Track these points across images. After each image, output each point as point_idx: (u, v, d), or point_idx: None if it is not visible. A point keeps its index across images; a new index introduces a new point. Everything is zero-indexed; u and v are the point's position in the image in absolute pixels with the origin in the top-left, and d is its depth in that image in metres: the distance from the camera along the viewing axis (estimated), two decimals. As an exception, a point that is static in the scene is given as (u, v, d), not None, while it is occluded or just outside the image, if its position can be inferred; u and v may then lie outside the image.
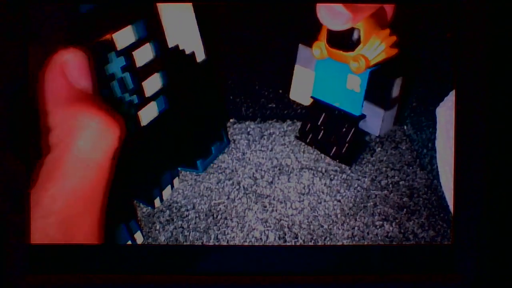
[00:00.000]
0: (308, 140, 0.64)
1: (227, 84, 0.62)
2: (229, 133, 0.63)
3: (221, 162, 0.63)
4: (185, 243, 0.59)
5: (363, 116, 0.61)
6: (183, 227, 0.60)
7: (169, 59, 0.58)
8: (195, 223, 0.60)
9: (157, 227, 0.60)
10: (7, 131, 0.56)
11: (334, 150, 0.63)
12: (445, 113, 0.58)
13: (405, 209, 0.60)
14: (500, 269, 0.58)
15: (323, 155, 0.63)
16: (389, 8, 0.58)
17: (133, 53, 0.53)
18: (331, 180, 0.62)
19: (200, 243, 0.59)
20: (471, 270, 0.57)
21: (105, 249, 0.57)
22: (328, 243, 0.59)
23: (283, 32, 0.62)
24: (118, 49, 0.52)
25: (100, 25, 0.51)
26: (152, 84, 0.56)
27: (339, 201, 0.61)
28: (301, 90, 0.64)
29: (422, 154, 0.61)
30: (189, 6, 0.58)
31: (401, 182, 0.61)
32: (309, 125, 0.64)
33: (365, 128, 0.62)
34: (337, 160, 0.63)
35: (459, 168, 0.57)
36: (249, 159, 0.63)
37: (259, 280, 0.58)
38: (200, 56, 0.61)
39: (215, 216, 0.60)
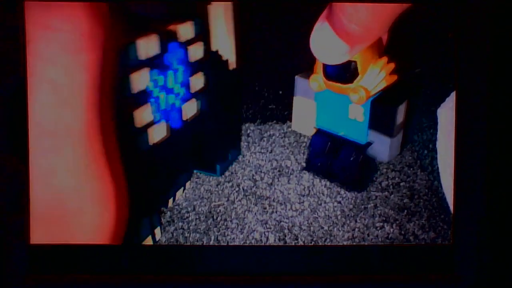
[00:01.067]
0: (316, 170, 0.63)
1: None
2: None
3: (222, 164, 0.63)
4: (185, 244, 0.59)
5: (369, 144, 0.61)
6: (183, 229, 0.60)
7: (213, 62, 0.59)
8: (195, 224, 0.60)
9: (158, 228, 0.60)
10: (7, 131, 0.57)
11: (344, 178, 0.62)
12: (446, 113, 0.58)
13: (405, 211, 0.59)
14: (500, 269, 0.58)
15: (323, 157, 0.63)
16: (384, 36, 0.57)
17: (189, 48, 0.55)
18: (331, 181, 0.62)
19: (200, 244, 0.59)
20: (471, 270, 0.57)
21: (105, 250, 0.58)
22: (328, 244, 0.59)
23: (282, 36, 0.62)
24: (179, 41, 0.54)
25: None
26: (197, 81, 0.58)
27: (340, 202, 0.61)
28: (303, 120, 0.64)
29: (423, 155, 0.61)
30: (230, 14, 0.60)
31: (401, 184, 0.61)
32: (314, 155, 0.63)
33: (373, 155, 0.62)
34: (349, 189, 0.62)
35: (459, 168, 0.57)
36: (249, 161, 0.63)
37: (259, 280, 0.57)
38: (232, 65, 0.63)
39: (215, 217, 0.60)
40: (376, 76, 0.57)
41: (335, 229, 0.59)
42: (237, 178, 0.62)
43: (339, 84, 0.58)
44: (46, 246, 0.57)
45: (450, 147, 0.58)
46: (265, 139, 0.64)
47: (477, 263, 0.57)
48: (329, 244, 0.59)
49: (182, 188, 0.62)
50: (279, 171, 0.63)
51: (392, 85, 0.59)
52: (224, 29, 0.60)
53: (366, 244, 0.58)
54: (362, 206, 0.60)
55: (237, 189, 0.62)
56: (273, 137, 0.64)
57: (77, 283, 0.57)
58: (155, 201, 0.60)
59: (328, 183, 0.61)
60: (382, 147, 0.60)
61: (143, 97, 0.52)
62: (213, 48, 0.60)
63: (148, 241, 0.58)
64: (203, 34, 0.57)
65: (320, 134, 0.63)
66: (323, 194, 0.61)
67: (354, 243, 0.59)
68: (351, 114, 0.60)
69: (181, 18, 0.55)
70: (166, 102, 0.55)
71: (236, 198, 0.61)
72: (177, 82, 0.55)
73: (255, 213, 0.61)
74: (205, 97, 0.60)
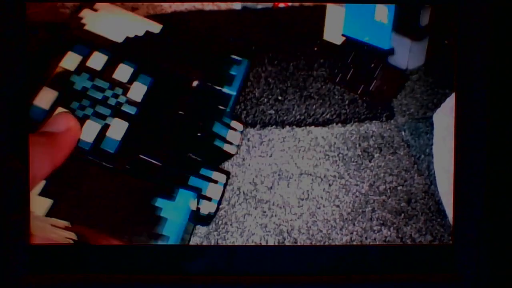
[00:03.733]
0: (337, 80, 0.62)
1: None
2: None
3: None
4: (185, 244, 0.59)
5: (391, 51, 0.60)
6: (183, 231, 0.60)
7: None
8: (196, 227, 0.60)
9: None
10: (7, 131, 0.56)
11: (362, 87, 0.61)
12: (442, 118, 0.59)
13: (403, 214, 0.60)
14: (500, 268, 0.58)
15: (322, 161, 0.63)
16: None
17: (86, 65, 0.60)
18: (330, 185, 0.62)
19: (200, 244, 0.60)
20: (471, 269, 0.57)
21: (105, 249, 0.57)
22: (329, 244, 0.59)
23: (284, 37, 0.63)
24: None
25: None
26: (122, 72, 0.61)
27: (338, 206, 0.61)
28: (333, 30, 0.63)
29: (420, 159, 0.62)
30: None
31: (399, 188, 0.62)
32: (339, 65, 0.63)
33: (393, 63, 0.61)
34: (366, 98, 0.61)
35: (459, 169, 0.57)
36: (249, 165, 0.64)
37: (259, 280, 0.57)
38: None
39: (215, 221, 0.61)
40: None
41: (334, 232, 0.60)
42: (238, 181, 0.63)
43: None
44: (46, 246, 0.56)
45: (446, 151, 0.59)
46: (264, 143, 0.64)
47: (477, 262, 0.57)
48: (329, 244, 0.59)
49: None
50: (278, 175, 0.63)
51: None
52: None
53: (367, 244, 0.59)
54: (360, 210, 0.61)
55: (237, 192, 0.62)
56: (273, 142, 0.64)
57: (77, 283, 0.57)
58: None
59: (327, 187, 0.62)
60: (403, 52, 0.60)
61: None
62: None
63: None
64: None
65: (346, 44, 0.62)
66: (322, 198, 0.62)
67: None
68: (377, 16, 0.60)
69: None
70: (108, 107, 0.60)
71: (237, 201, 0.62)
72: (102, 90, 0.60)
73: (255, 217, 0.61)
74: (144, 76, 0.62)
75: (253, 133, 0.64)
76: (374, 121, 0.63)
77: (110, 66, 0.60)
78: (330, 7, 0.62)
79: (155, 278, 0.58)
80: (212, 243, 0.60)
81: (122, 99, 0.60)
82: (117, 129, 0.59)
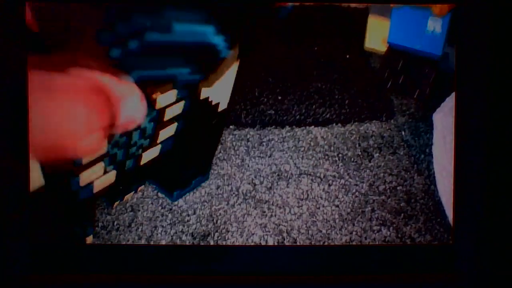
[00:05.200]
0: (388, 86, 0.63)
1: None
2: (229, 139, 0.64)
3: (221, 169, 0.63)
4: (185, 244, 0.60)
5: (444, 56, 0.61)
6: (183, 232, 0.60)
7: (191, 111, 0.62)
8: (195, 228, 0.61)
9: (159, 231, 0.60)
10: (7, 131, 0.57)
11: (417, 92, 0.62)
12: (442, 119, 0.59)
13: (402, 214, 0.60)
14: (500, 269, 0.58)
15: (322, 161, 0.63)
16: None
17: (166, 110, 0.60)
18: (329, 185, 0.62)
19: (201, 244, 0.60)
20: (471, 270, 0.57)
21: (105, 249, 0.58)
22: (329, 244, 0.59)
23: (281, 41, 0.63)
24: (156, 108, 0.59)
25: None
26: (167, 131, 0.62)
27: (338, 206, 0.61)
28: (376, 39, 0.64)
29: (420, 159, 0.61)
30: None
31: (398, 188, 0.61)
32: (387, 72, 0.63)
33: (444, 67, 0.61)
34: (422, 103, 0.61)
35: (459, 169, 0.57)
36: (248, 165, 0.64)
37: (259, 280, 0.58)
38: (222, 106, 0.64)
39: (215, 221, 0.61)
40: None
41: (333, 232, 0.60)
42: (237, 182, 0.63)
43: None
44: (46, 246, 0.57)
45: (445, 151, 0.58)
46: (264, 143, 0.64)
47: (477, 262, 0.57)
48: (329, 244, 0.59)
49: (134, 192, 0.63)
50: (278, 175, 0.63)
51: None
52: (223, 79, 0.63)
53: (367, 243, 0.59)
54: (360, 210, 0.61)
55: (236, 192, 0.62)
56: (272, 142, 0.64)
57: (77, 283, 0.57)
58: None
59: (326, 187, 0.62)
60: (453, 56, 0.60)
61: (95, 159, 0.58)
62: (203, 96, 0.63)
63: None
64: (187, 95, 0.61)
65: (393, 51, 0.63)
66: (321, 198, 0.62)
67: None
68: (430, 27, 0.60)
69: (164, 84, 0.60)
70: (124, 155, 0.60)
71: (236, 202, 0.62)
72: (143, 138, 0.60)
73: (255, 217, 0.61)
74: (171, 141, 0.62)
75: (253, 133, 0.64)
76: (374, 121, 0.63)
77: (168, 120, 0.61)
78: (373, 17, 0.63)
79: (155, 278, 0.58)
80: (212, 243, 0.60)
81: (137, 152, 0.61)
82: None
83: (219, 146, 0.64)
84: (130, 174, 0.61)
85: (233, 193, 0.63)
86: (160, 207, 0.62)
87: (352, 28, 0.62)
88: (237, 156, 0.64)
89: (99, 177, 0.59)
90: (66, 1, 0.55)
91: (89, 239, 0.60)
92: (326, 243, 0.59)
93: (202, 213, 0.62)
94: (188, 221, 0.61)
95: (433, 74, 0.61)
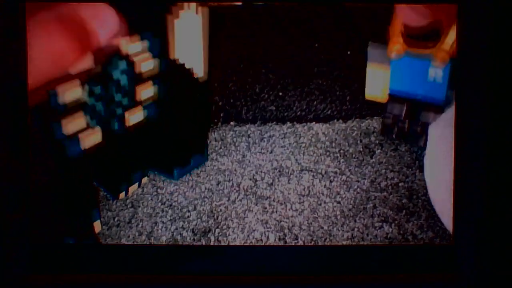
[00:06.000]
0: (395, 135, 0.63)
1: (228, 87, 0.63)
2: (229, 135, 0.64)
3: (221, 164, 0.63)
4: (185, 243, 0.59)
5: (448, 102, 0.61)
6: (184, 228, 0.60)
7: (168, 73, 0.61)
8: (196, 224, 0.60)
9: (159, 227, 0.60)
10: (7, 131, 0.56)
11: (424, 139, 0.62)
12: (436, 130, 0.59)
13: (404, 211, 0.60)
14: (500, 269, 0.58)
15: (323, 157, 0.63)
16: None
17: (135, 59, 0.58)
18: (331, 182, 0.62)
19: (201, 244, 0.60)
20: (471, 270, 0.57)
21: (105, 249, 0.58)
22: (328, 243, 0.59)
23: (285, 32, 0.63)
24: (123, 54, 0.57)
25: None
26: (146, 91, 0.60)
27: (339, 202, 0.61)
28: (377, 87, 0.64)
29: (422, 156, 0.62)
30: (199, 22, 0.61)
31: (400, 184, 0.61)
32: (391, 120, 0.63)
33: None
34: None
35: (459, 169, 0.57)
36: (249, 161, 0.63)
37: (259, 280, 0.58)
38: (199, 73, 0.63)
39: (215, 217, 0.61)
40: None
41: (335, 229, 0.60)
42: (238, 177, 0.62)
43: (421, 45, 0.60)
44: (46, 246, 0.56)
45: (436, 162, 0.59)
46: (265, 139, 0.64)
47: (478, 262, 0.57)
48: (329, 244, 0.59)
49: (138, 183, 0.63)
50: (279, 171, 0.63)
51: None
52: (194, 39, 0.62)
53: (366, 243, 0.59)
54: (361, 206, 0.61)
55: (237, 188, 0.62)
56: (273, 138, 0.64)
57: (77, 283, 0.57)
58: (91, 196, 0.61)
59: (328, 183, 0.62)
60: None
61: (75, 107, 0.57)
62: (176, 57, 0.62)
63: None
64: (155, 47, 0.60)
65: (395, 99, 0.63)
66: (323, 194, 0.62)
67: (354, 243, 0.59)
68: (431, 76, 0.61)
69: (131, 32, 0.59)
70: (105, 110, 0.59)
71: (237, 198, 0.62)
72: (120, 92, 0.59)
73: (256, 213, 0.61)
74: (154, 106, 0.61)
75: (254, 129, 0.64)
76: (375, 117, 0.62)
77: (146, 77, 0.60)
78: (372, 66, 0.63)
79: (155, 278, 0.58)
80: (213, 240, 0.60)
81: (119, 110, 0.60)
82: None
83: (220, 142, 0.63)
84: (119, 138, 0.60)
85: (234, 189, 0.62)
86: (160, 203, 0.62)
87: (353, 24, 0.62)
88: (238, 152, 0.64)
89: (83, 130, 0.58)
90: (66, 1, 0.55)
91: (97, 225, 0.60)
92: (327, 240, 0.59)
93: (203, 209, 0.61)
94: (188, 217, 0.61)
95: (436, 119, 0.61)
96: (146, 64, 0.60)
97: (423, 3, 0.58)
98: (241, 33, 0.62)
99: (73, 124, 0.57)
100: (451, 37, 0.59)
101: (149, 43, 0.59)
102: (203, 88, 0.63)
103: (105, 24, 0.56)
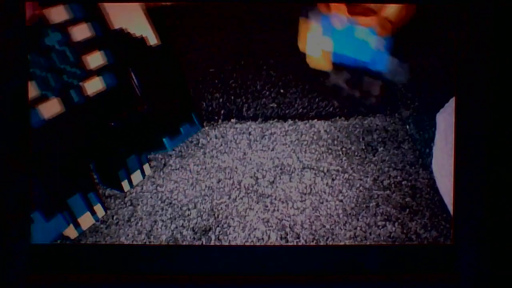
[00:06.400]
0: (348, 105, 0.63)
1: (229, 84, 0.62)
2: (230, 132, 0.63)
3: (222, 162, 0.63)
4: (185, 243, 0.59)
5: (390, 70, 0.61)
6: (184, 226, 0.60)
7: (112, 39, 0.61)
8: (196, 222, 0.60)
9: (159, 225, 0.60)
10: (7, 131, 0.56)
11: (371, 105, 0.62)
12: (445, 118, 0.59)
13: (407, 209, 0.59)
14: (500, 269, 0.58)
15: (325, 155, 0.63)
16: None
17: (68, 28, 0.59)
18: (333, 180, 0.61)
19: (201, 243, 0.59)
20: (472, 270, 0.57)
21: (105, 249, 0.57)
22: (330, 243, 0.59)
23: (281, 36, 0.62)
24: (52, 24, 0.58)
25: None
26: (95, 59, 0.60)
27: (341, 201, 0.61)
28: (315, 47, 0.63)
29: (425, 153, 0.61)
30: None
31: (403, 182, 0.61)
32: (335, 88, 0.63)
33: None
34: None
35: (459, 170, 0.57)
36: (250, 159, 0.63)
37: (259, 280, 0.57)
38: (153, 41, 0.62)
39: (216, 215, 0.60)
40: None
41: (337, 227, 0.59)
42: (238, 175, 0.62)
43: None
44: (46, 246, 0.56)
45: (446, 151, 0.58)
46: (266, 137, 0.64)
47: (478, 262, 0.57)
48: (330, 244, 0.59)
49: (140, 172, 0.62)
50: (280, 169, 0.62)
51: None
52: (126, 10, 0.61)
53: (367, 244, 0.58)
54: (364, 205, 0.60)
55: (238, 186, 0.62)
56: (275, 135, 0.64)
57: (77, 283, 0.57)
58: (85, 179, 0.61)
59: (330, 181, 0.61)
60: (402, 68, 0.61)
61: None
62: (118, 25, 0.61)
63: (87, 216, 0.60)
64: (88, 15, 0.60)
65: (338, 67, 0.62)
66: (324, 192, 0.61)
67: (356, 242, 0.59)
68: (373, 45, 0.60)
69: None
70: (57, 81, 0.59)
71: (238, 196, 0.61)
72: (66, 62, 0.59)
73: (257, 211, 0.61)
74: (111, 73, 0.61)
75: (255, 126, 0.64)
76: (378, 115, 0.62)
77: (89, 46, 0.60)
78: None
79: (155, 278, 0.58)
80: (213, 238, 0.60)
81: (74, 81, 0.60)
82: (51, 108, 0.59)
83: (220, 140, 0.63)
84: (83, 108, 0.60)
85: (235, 187, 0.62)
86: (160, 201, 0.61)
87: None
88: (239, 150, 0.63)
89: (39, 101, 0.58)
90: (66, 1, 0.55)
91: (99, 210, 0.60)
92: (329, 239, 0.59)
93: (203, 208, 0.61)
94: (188, 215, 0.61)
95: (381, 83, 0.61)
96: (81, 31, 0.60)
97: (423, 3, 0.58)
98: (243, 30, 0.62)
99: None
100: (392, 5, 0.58)
101: (72, 10, 0.59)
102: (161, 55, 0.62)
103: None
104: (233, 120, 0.63)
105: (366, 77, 0.61)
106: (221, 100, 0.63)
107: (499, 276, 0.58)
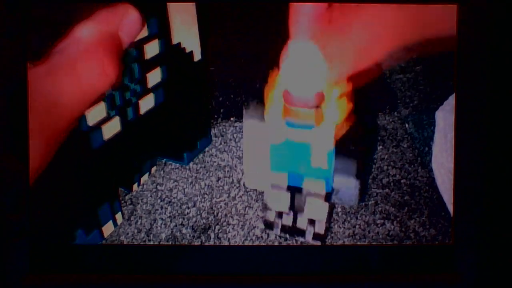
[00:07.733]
0: (279, 229, 0.60)
1: (228, 83, 0.62)
2: (229, 131, 0.63)
3: (221, 160, 0.63)
4: (185, 242, 0.59)
5: (333, 191, 0.58)
6: (183, 224, 0.60)
7: (171, 56, 0.61)
8: (195, 221, 0.60)
9: (159, 224, 0.60)
10: (7, 131, 0.56)
11: (313, 232, 0.59)
12: (445, 116, 0.58)
13: (406, 208, 0.60)
14: (500, 269, 0.59)
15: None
16: None
17: (144, 46, 0.58)
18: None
19: (200, 242, 0.59)
20: (471, 270, 0.57)
21: (105, 249, 0.58)
22: (329, 241, 0.59)
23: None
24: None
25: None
26: (154, 76, 0.60)
27: (340, 199, 0.61)
28: (257, 176, 0.61)
29: (424, 152, 0.61)
30: (193, 7, 0.60)
31: (402, 181, 0.61)
32: (275, 213, 0.60)
33: (339, 202, 0.59)
34: (320, 242, 0.59)
35: (459, 169, 0.57)
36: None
37: (259, 280, 0.58)
38: (197, 56, 0.63)
39: (215, 214, 0.60)
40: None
41: (336, 226, 0.60)
42: (238, 174, 0.62)
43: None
44: (46, 246, 0.57)
45: (445, 149, 0.58)
46: (265, 135, 0.64)
47: (477, 262, 0.58)
48: (329, 242, 0.59)
49: (148, 173, 0.63)
50: (280, 167, 0.63)
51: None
52: (187, 23, 0.61)
53: (366, 243, 0.59)
54: (363, 203, 0.60)
55: (237, 185, 0.62)
56: (274, 134, 0.64)
57: (77, 283, 0.57)
58: (113, 189, 0.61)
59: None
60: (351, 191, 0.59)
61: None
62: (175, 41, 0.61)
63: (109, 226, 0.59)
64: (160, 32, 0.59)
65: (277, 190, 0.60)
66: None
67: (355, 240, 0.59)
68: (314, 163, 0.58)
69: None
70: (121, 99, 0.58)
71: (237, 194, 0.61)
72: (132, 81, 0.58)
73: (256, 210, 0.61)
74: (162, 89, 0.61)
75: (254, 124, 0.64)
76: (377, 113, 0.62)
77: (153, 63, 0.60)
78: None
79: (155, 278, 0.58)
80: (212, 237, 0.60)
81: (133, 99, 0.59)
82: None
83: (220, 138, 0.63)
84: (133, 126, 0.60)
85: (234, 185, 0.62)
86: (159, 200, 0.61)
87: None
88: (238, 148, 0.63)
89: (104, 121, 0.57)
90: (66, 1, 0.54)
91: (119, 217, 0.60)
92: (328, 237, 0.59)
93: (203, 206, 0.61)
94: (188, 214, 0.61)
95: (326, 211, 0.59)
96: (152, 48, 0.59)
97: (423, 3, 0.57)
98: (242, 29, 0.62)
99: (95, 114, 0.56)
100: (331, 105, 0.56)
101: (150, 26, 0.58)
102: (201, 70, 0.62)
103: (134, 29, 0.54)
104: (232, 119, 0.63)
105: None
106: (220, 98, 0.63)
107: (499, 276, 0.58)
